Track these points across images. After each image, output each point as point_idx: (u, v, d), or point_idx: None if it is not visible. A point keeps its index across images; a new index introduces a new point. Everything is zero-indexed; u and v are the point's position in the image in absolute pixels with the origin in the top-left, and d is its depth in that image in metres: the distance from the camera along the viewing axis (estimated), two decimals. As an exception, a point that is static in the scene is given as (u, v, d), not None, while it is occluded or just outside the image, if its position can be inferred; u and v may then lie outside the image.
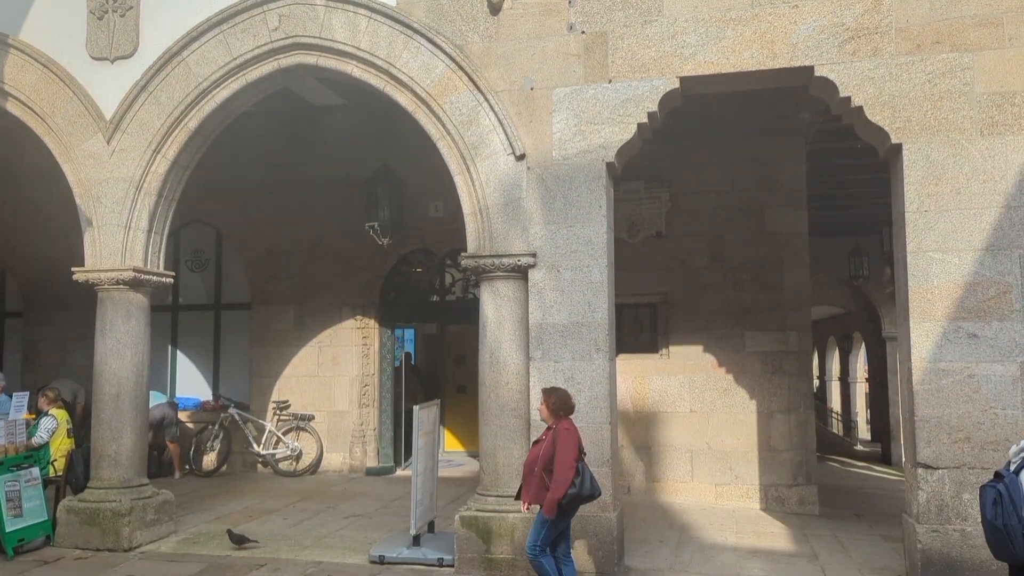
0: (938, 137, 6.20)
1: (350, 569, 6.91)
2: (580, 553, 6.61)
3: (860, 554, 7.58)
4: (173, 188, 8.23)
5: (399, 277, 11.99)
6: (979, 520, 5.80)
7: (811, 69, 6.49)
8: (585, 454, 5.83)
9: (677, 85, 6.78)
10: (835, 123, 8.11)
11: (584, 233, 6.87)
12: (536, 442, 5.91)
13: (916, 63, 6.28)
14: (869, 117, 6.33)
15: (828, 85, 6.49)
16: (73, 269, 8.00)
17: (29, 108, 8.12)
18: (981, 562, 5.86)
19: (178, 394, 12.36)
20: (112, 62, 8.00)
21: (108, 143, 7.97)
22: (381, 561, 7.04)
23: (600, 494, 5.91)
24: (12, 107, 8.20)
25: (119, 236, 7.92)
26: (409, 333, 13.97)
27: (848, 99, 6.40)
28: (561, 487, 5.54)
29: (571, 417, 5.89)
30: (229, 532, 7.69)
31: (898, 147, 6.31)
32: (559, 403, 5.86)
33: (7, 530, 7.36)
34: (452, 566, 6.88)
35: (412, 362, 13.68)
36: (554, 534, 5.75)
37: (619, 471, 7.67)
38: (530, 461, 5.83)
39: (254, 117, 9.84)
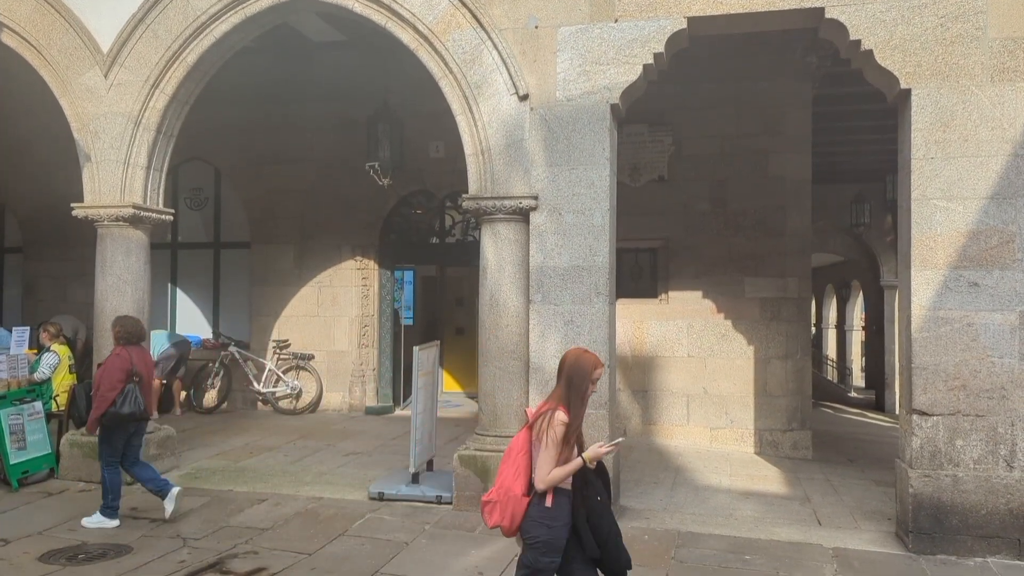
0: (948, 83, 6.11)
1: (350, 505, 7.02)
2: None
3: (852, 498, 7.71)
4: (172, 124, 8.14)
5: (399, 218, 11.94)
6: (971, 466, 5.97)
7: (821, 11, 6.35)
8: (140, 379, 6.31)
9: (684, 26, 6.64)
10: (843, 68, 7.99)
11: (587, 176, 6.81)
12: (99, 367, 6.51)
13: (928, 6, 6.15)
14: (879, 61, 6.22)
15: (838, 28, 6.36)
16: (72, 205, 7.95)
17: (24, 39, 7.98)
18: (971, 506, 5.97)
19: (178, 332, 12.40)
20: (108, -7, 7.83)
21: (105, 77, 7.85)
22: (381, 498, 7.16)
23: (147, 416, 6.49)
24: (7, 38, 8.05)
25: (118, 172, 7.85)
26: (408, 275, 13.97)
27: (858, 42, 6.27)
28: (99, 407, 6.17)
29: (143, 344, 6.55)
30: None
31: (907, 92, 6.21)
32: (122, 332, 6.46)
33: (11, 462, 7.47)
34: (450, 503, 7.00)
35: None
36: (115, 450, 6.38)
37: (616, 414, 7.73)
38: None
39: (253, 53, 9.68)
